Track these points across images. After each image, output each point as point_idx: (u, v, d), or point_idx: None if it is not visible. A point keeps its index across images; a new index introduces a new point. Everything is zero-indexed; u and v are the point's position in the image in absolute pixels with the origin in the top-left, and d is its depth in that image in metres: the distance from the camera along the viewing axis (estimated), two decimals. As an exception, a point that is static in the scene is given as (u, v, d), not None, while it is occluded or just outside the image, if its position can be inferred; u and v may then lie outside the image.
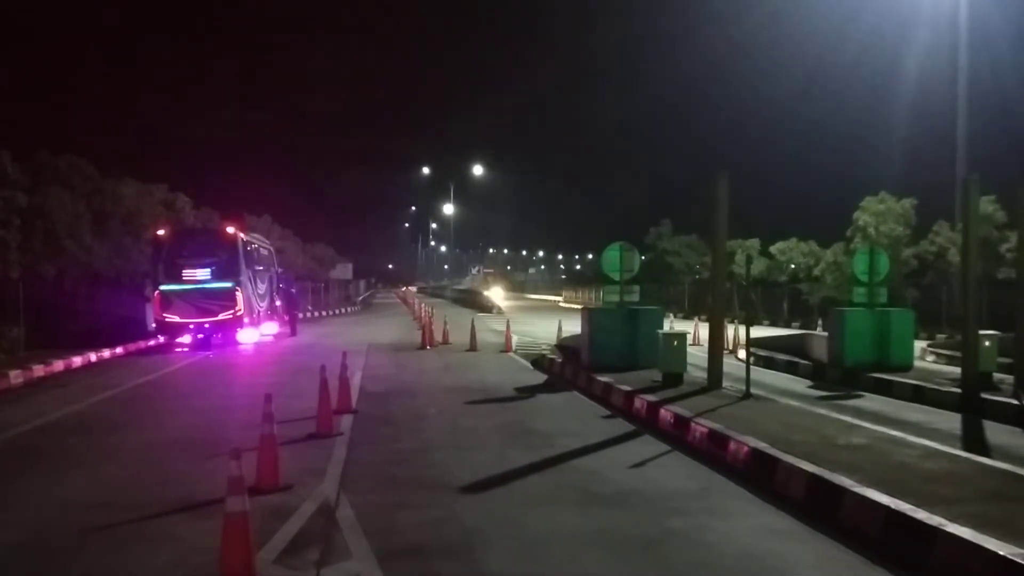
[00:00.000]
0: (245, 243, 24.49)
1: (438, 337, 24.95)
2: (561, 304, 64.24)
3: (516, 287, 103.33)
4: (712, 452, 9.33)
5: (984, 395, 13.00)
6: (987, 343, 14.38)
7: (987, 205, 27.25)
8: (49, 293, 23.40)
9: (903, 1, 30.16)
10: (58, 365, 18.13)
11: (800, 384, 16.50)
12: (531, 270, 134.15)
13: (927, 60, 29.39)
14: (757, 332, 19.08)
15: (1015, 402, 12.49)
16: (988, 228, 27.28)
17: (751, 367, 13.36)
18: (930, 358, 20.42)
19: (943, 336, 26.30)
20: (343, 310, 51.16)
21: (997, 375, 14.51)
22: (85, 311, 24.12)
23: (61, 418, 12.21)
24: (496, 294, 76.58)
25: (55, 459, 9.48)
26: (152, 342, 23.83)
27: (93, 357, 20.02)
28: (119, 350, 21.80)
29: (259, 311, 25.72)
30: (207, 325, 23.20)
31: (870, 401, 14.07)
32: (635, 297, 17.02)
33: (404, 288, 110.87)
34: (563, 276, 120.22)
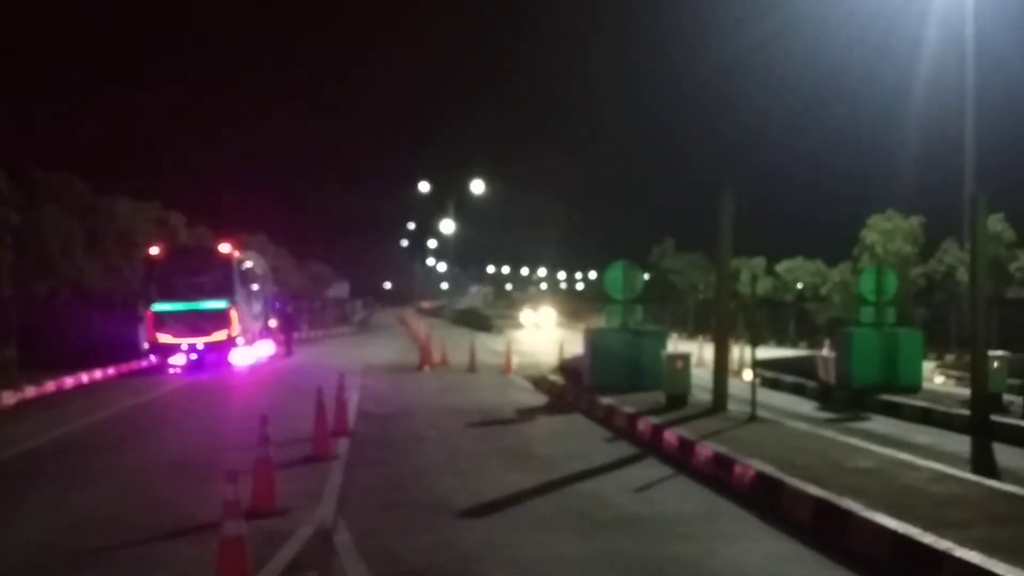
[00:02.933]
0: (239, 262, 24.23)
1: (436, 358, 24.79)
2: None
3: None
4: (717, 475, 9.21)
5: (993, 417, 12.77)
6: (996, 364, 14.20)
7: (996, 224, 27.19)
8: (41, 312, 23.23)
9: (912, 19, 30.20)
10: (50, 386, 17.99)
11: (807, 406, 16.34)
12: (531, 289, 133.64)
13: (937, 78, 29.33)
14: (763, 353, 18.97)
15: (1025, 424, 12.32)
16: (997, 247, 27.19)
17: (757, 388, 13.25)
18: (939, 379, 20.24)
19: (952, 356, 26.09)
20: (340, 330, 50.92)
21: (1007, 397, 14.33)
22: (77, 331, 23.86)
23: (53, 440, 12.11)
24: (544, 317, 56.14)
25: (47, 481, 9.39)
26: (144, 363, 23.60)
27: (85, 378, 19.85)
28: (111, 371, 21.62)
29: (254, 331, 25.45)
30: (201, 346, 22.76)
31: (878, 423, 13.92)
32: (638, 317, 16.90)
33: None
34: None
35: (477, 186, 76.09)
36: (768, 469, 8.53)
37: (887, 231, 33.37)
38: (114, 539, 7.08)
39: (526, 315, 57.81)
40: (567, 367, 20.40)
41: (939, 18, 25.68)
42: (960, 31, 22.90)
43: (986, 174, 24.77)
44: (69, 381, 18.99)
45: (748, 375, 16.74)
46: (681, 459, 10.23)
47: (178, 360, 22.89)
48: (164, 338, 22.58)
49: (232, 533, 5.66)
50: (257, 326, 26.06)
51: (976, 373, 13.43)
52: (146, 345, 23.26)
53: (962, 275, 29.08)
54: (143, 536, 7.12)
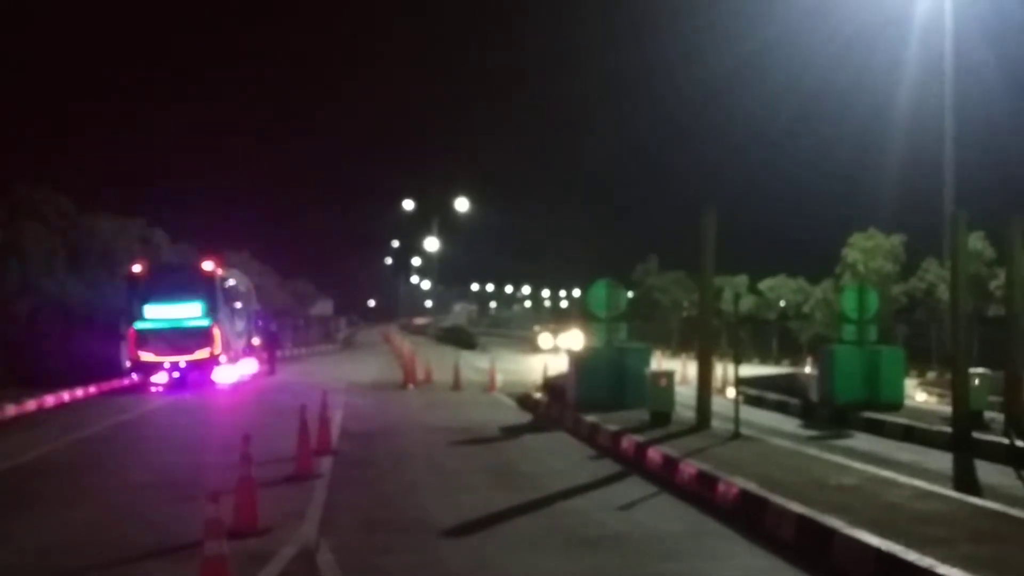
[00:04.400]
0: (223, 280, 24.15)
1: (420, 375, 24.75)
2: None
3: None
4: (701, 493, 9.22)
5: (975, 434, 12.92)
6: (977, 381, 14.32)
7: (976, 242, 27.44)
8: (22, 330, 23.06)
9: (893, 40, 30.64)
10: (31, 404, 17.79)
11: (790, 423, 16.40)
12: (515, 307, 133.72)
13: (917, 99, 29.77)
14: (746, 370, 19.05)
15: (1006, 441, 12.41)
16: (977, 265, 27.42)
17: (740, 406, 13.30)
18: (921, 396, 20.38)
19: (934, 374, 26.28)
20: (324, 347, 50.81)
21: (988, 414, 14.44)
22: (58, 349, 23.72)
23: (33, 459, 11.98)
24: (569, 341, 39.20)
25: (26, 501, 9.29)
26: (126, 381, 23.42)
27: (66, 396, 19.64)
28: (92, 389, 21.42)
29: (237, 349, 25.36)
30: (183, 364, 22.64)
31: (860, 441, 13.97)
32: (622, 335, 16.94)
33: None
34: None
35: (461, 204, 76.41)
36: (752, 487, 8.56)
37: (868, 249, 33.60)
38: (95, 559, 7.01)
39: (545, 339, 46.46)
40: (551, 385, 20.40)
41: (918, 41, 26.15)
42: (939, 54, 23.30)
43: (967, 192, 25.15)
44: (50, 400, 18.79)
45: (731, 393, 16.78)
46: (665, 477, 10.24)
47: (160, 378, 22.75)
48: (146, 356, 22.46)
49: (214, 553, 5.65)
50: (240, 344, 25.96)
51: (957, 391, 13.60)
52: (128, 363, 23.10)
53: (943, 293, 29.33)
54: (124, 556, 7.06)
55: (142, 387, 22.66)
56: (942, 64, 22.82)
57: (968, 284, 16.97)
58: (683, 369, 23.27)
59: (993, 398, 14.83)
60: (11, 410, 16.87)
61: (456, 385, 22.70)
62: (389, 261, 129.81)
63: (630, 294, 26.61)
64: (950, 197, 22.60)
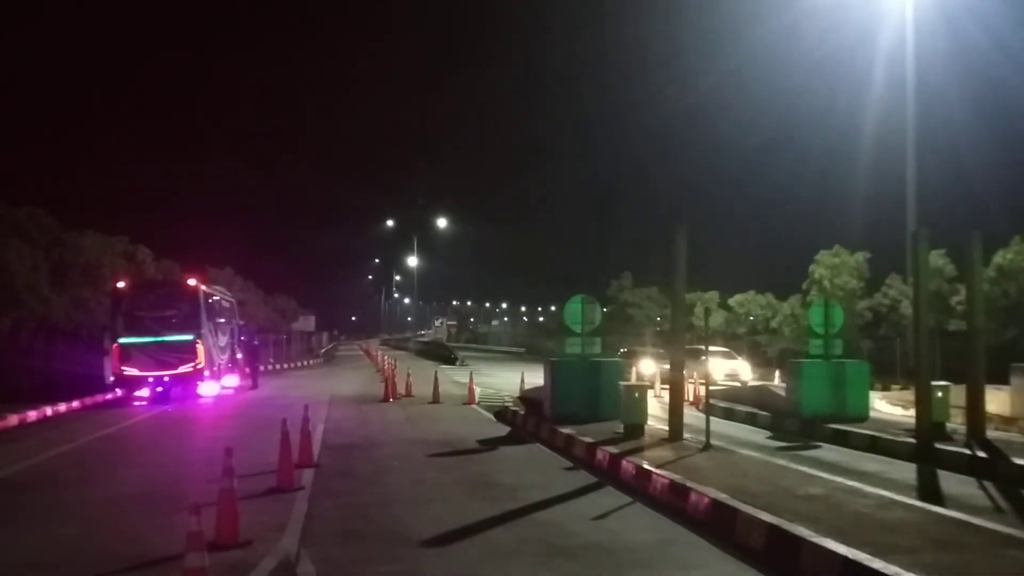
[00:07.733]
0: (206, 295, 24.24)
1: (401, 389, 24.81)
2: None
3: (478, 338, 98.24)
4: (673, 503, 9.41)
5: (937, 445, 13.25)
6: (940, 394, 14.68)
7: (937, 259, 28.05)
8: (5, 346, 22.83)
9: (858, 64, 31.31)
10: (12, 419, 17.66)
11: (759, 435, 16.66)
12: (494, 322, 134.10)
13: (882, 119, 30.42)
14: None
15: (968, 452, 12.74)
16: (939, 281, 28.04)
17: (711, 418, 13.51)
18: (885, 408, 20.75)
19: (898, 386, 26.77)
20: (306, 362, 50.69)
21: (950, 425, 14.80)
22: (41, 364, 23.57)
23: (15, 474, 11.92)
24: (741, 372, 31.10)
25: (8, 516, 9.25)
26: (110, 396, 23.34)
27: (49, 411, 19.53)
28: (76, 404, 21.30)
29: (220, 364, 25.39)
30: (167, 378, 22.75)
31: (827, 451, 14.24)
32: (597, 349, 17.16)
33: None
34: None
35: (442, 223, 77.17)
36: (722, 497, 8.75)
37: (834, 266, 34.17)
38: (77, 572, 7.05)
39: (717, 366, 29.77)
40: (528, 398, 20.56)
41: (883, 65, 26.81)
42: (902, 77, 23.90)
43: (929, 210, 25.74)
44: (33, 414, 18.66)
45: (702, 405, 17.03)
46: (639, 488, 10.41)
47: (144, 393, 22.74)
48: (130, 371, 22.50)
49: (195, 565, 5.73)
50: (223, 358, 25.99)
51: (921, 403, 13.95)
52: (112, 378, 23.03)
53: (906, 308, 29.89)
54: (107, 569, 7.09)
55: (125, 402, 22.60)
56: (905, 86, 23.40)
57: (930, 300, 17.39)
58: (656, 382, 23.55)
59: (955, 410, 15.20)
60: (-7, 425, 16.73)
61: (435, 399, 22.80)
62: (371, 277, 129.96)
63: (605, 309, 26.79)
64: (912, 215, 23.11)
